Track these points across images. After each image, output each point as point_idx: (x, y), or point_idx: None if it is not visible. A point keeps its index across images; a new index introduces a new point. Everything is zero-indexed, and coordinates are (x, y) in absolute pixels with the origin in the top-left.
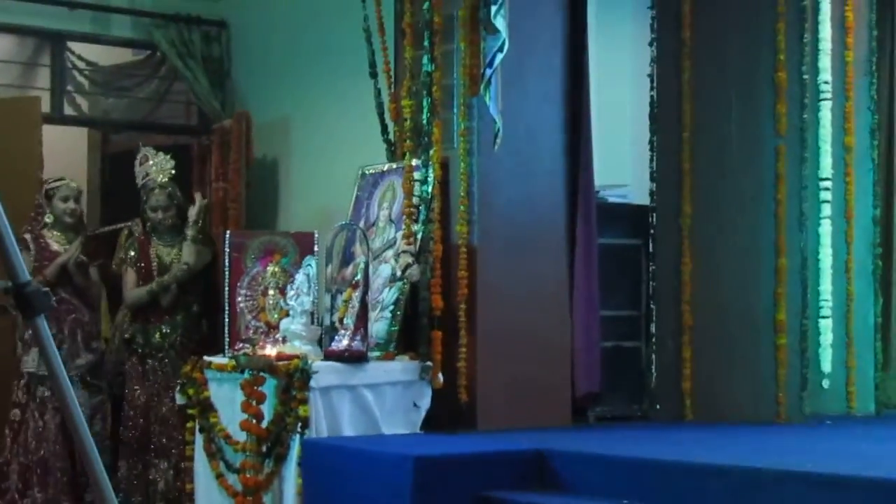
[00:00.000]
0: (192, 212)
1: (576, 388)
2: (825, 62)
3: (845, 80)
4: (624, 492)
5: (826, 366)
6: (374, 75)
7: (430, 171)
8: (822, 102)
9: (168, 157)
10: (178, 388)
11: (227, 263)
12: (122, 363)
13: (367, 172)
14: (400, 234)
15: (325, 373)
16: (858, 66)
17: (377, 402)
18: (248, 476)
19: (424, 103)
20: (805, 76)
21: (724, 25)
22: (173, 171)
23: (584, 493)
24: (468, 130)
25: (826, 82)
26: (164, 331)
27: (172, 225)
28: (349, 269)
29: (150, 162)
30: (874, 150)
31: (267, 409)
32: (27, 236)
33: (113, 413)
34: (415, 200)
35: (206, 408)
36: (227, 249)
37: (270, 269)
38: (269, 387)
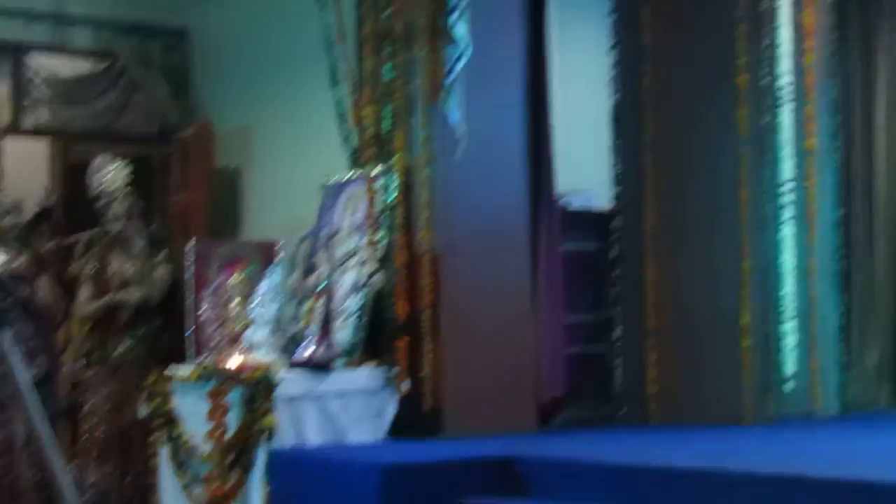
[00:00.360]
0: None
1: (541, 394)
2: (784, 65)
3: (805, 83)
4: (592, 496)
5: (790, 368)
6: (335, 84)
7: (393, 178)
8: (783, 106)
9: (124, 163)
10: (144, 399)
11: (190, 274)
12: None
13: (329, 181)
14: (363, 241)
15: (291, 382)
16: (817, 69)
17: (343, 410)
18: (214, 487)
19: (386, 111)
20: (765, 80)
21: (683, 30)
22: (129, 179)
23: (552, 499)
24: (430, 138)
25: (786, 85)
26: (126, 344)
27: (132, 235)
28: (313, 278)
29: (107, 170)
30: (834, 153)
31: (232, 420)
32: None
33: (73, 424)
34: (378, 208)
35: (172, 419)
36: (191, 260)
37: (234, 278)
38: (235, 397)
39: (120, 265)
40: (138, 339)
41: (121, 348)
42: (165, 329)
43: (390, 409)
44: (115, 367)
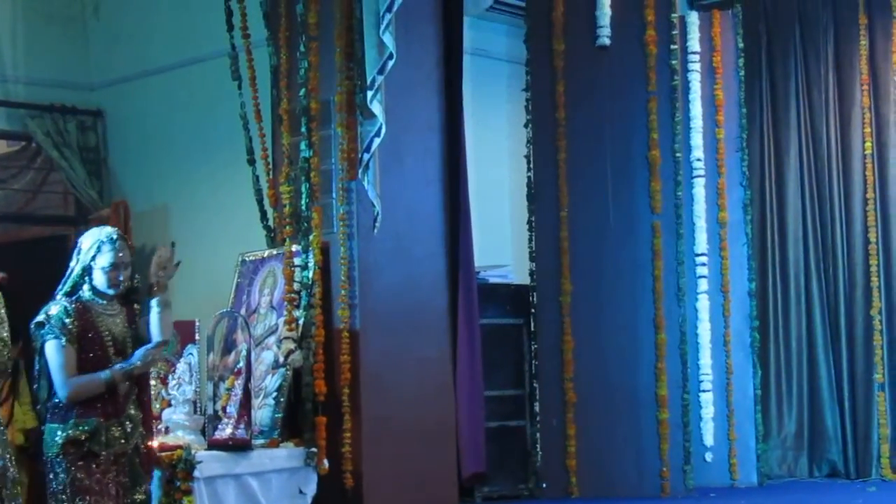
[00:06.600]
0: (160, 269)
1: (462, 469)
2: (697, 139)
3: (717, 156)
4: None
5: (708, 439)
6: (252, 162)
7: (311, 256)
8: (696, 179)
9: None
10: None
11: None
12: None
13: (247, 259)
14: (282, 320)
15: (209, 462)
16: (729, 142)
17: (263, 490)
18: None
19: (303, 189)
20: (678, 154)
21: (597, 105)
22: None
23: None
24: (347, 215)
25: (699, 159)
26: (126, 428)
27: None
28: (231, 357)
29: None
30: (748, 225)
31: (152, 501)
32: None
33: None
34: (296, 286)
35: None
36: None
37: None
38: (154, 478)
39: (110, 326)
40: (136, 421)
41: (120, 434)
42: None
43: (311, 489)
44: (114, 461)
